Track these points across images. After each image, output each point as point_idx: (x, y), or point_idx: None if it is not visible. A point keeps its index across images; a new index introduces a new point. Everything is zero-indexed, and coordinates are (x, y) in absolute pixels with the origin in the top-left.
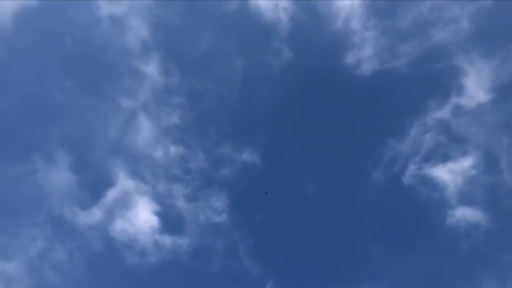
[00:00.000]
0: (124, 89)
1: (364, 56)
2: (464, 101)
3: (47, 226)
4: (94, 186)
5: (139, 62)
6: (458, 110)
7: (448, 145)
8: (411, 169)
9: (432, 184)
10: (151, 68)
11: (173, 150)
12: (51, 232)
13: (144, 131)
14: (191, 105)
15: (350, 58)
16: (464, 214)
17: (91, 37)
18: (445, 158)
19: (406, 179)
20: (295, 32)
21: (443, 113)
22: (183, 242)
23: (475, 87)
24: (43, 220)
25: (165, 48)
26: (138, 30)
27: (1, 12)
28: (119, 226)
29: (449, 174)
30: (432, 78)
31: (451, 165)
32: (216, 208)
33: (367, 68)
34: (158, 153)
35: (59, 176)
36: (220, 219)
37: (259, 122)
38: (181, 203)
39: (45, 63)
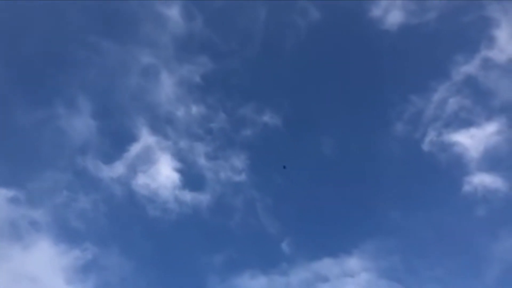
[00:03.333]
0: (146, 38)
1: (391, 11)
2: (494, 54)
3: (71, 176)
4: (116, 139)
5: (161, 6)
6: (486, 64)
7: (473, 109)
8: (432, 134)
9: (452, 149)
10: (173, 12)
11: (195, 109)
12: (75, 182)
13: (166, 88)
14: (213, 64)
15: (376, 12)
16: (482, 180)
17: None
18: (468, 123)
19: (427, 140)
20: None
21: (470, 67)
22: (203, 198)
23: (508, 39)
24: (67, 166)
25: None
26: None
27: None
28: (141, 180)
29: (471, 139)
30: (461, 31)
31: (473, 130)
32: (236, 167)
33: (393, 22)
34: (180, 112)
35: (81, 123)
36: (239, 178)
37: (281, 83)
38: (202, 161)
39: (67, 11)
